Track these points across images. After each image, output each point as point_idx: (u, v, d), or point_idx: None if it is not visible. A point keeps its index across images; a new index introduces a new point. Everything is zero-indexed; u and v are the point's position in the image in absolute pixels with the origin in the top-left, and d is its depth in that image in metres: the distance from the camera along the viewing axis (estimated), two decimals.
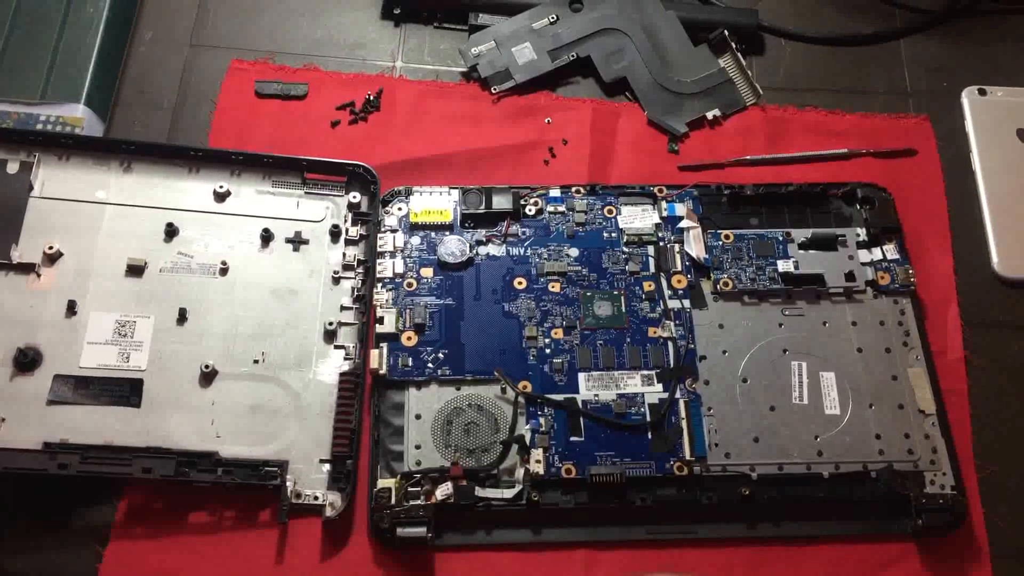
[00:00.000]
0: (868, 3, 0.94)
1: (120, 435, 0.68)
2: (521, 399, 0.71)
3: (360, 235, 0.77)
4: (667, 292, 0.76)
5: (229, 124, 0.83)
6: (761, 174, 0.84)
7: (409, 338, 0.73)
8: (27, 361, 0.69)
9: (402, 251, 0.76)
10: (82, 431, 0.68)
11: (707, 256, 0.77)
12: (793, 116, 0.87)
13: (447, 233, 0.77)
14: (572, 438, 0.70)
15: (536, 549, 0.68)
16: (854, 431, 0.72)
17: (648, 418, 0.71)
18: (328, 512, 0.67)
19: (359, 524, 0.68)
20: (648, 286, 0.76)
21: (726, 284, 0.76)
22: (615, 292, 0.76)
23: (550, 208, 0.79)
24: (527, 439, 0.69)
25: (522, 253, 0.77)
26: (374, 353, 0.72)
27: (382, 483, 0.68)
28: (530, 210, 0.79)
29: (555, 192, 0.80)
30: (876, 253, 0.78)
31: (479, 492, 0.68)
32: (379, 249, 0.76)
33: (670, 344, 0.74)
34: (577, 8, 0.89)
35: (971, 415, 0.75)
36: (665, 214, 0.79)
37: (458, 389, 0.72)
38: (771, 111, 0.87)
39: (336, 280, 0.76)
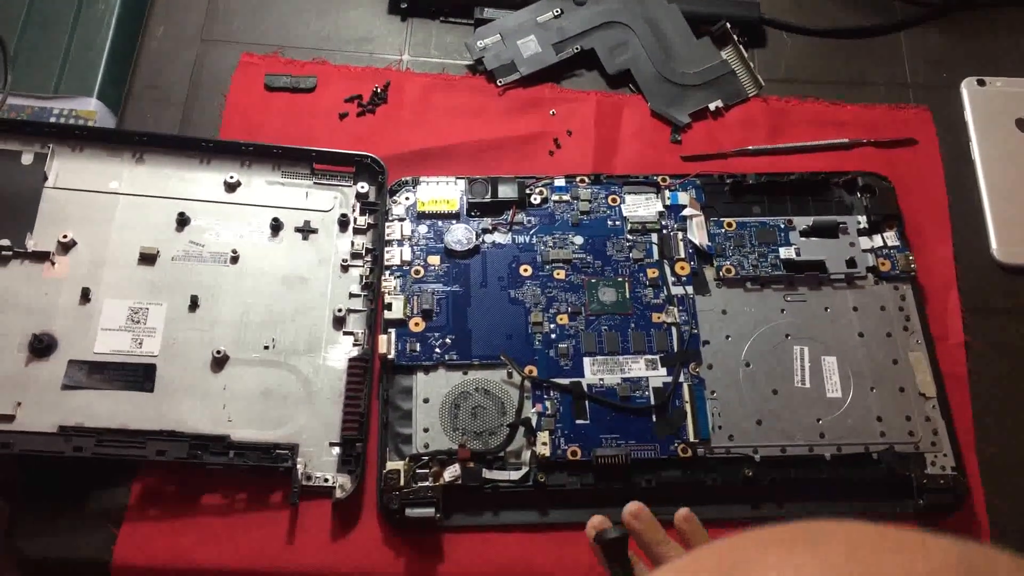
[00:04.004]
0: None
1: (134, 419, 0.69)
2: (527, 383, 0.72)
3: (368, 224, 0.79)
4: (670, 279, 0.77)
5: (239, 117, 0.84)
6: (763, 164, 0.85)
7: (417, 324, 0.74)
8: (42, 347, 0.70)
9: (409, 239, 0.78)
10: (97, 415, 0.69)
11: (710, 243, 0.79)
12: (795, 107, 0.88)
13: (454, 222, 0.79)
14: (577, 421, 0.71)
15: (542, 530, 0.70)
16: (856, 414, 0.73)
17: (652, 401, 0.72)
18: (338, 494, 0.69)
19: (368, 505, 0.70)
20: (652, 273, 0.77)
21: (729, 271, 0.77)
22: (619, 279, 0.77)
23: (555, 197, 0.80)
24: (533, 422, 0.71)
25: (528, 241, 0.78)
26: (382, 339, 0.73)
27: (391, 465, 0.69)
28: (535, 199, 0.80)
29: (560, 181, 0.81)
30: (877, 240, 0.79)
31: (486, 474, 0.69)
32: (387, 238, 0.77)
33: (674, 329, 0.75)
34: (581, 2, 0.90)
35: (971, 399, 0.76)
36: (668, 203, 0.80)
37: (465, 374, 0.73)
38: (773, 102, 0.88)
39: (345, 268, 0.77)
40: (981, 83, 0.90)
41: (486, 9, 0.90)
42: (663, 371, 0.74)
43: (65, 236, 0.74)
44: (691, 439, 0.71)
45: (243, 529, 0.69)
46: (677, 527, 0.61)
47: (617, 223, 0.80)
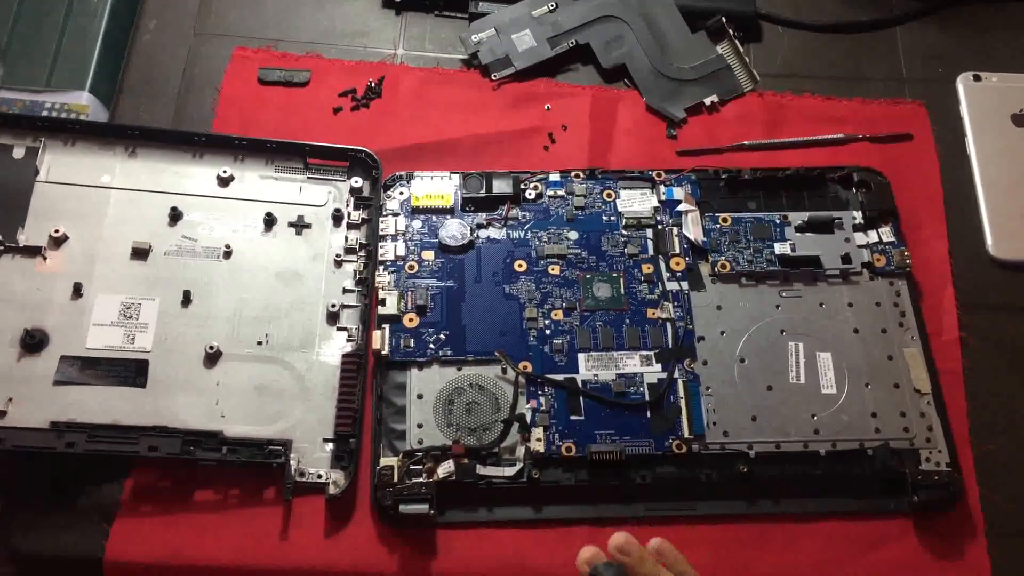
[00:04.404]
0: None
1: (126, 415, 0.69)
2: (522, 379, 0.72)
3: (362, 219, 0.78)
4: (665, 274, 0.77)
5: (233, 111, 0.84)
6: (759, 159, 0.85)
7: (411, 320, 0.74)
8: (34, 342, 0.70)
9: (404, 234, 0.77)
10: (89, 411, 0.69)
11: (705, 239, 0.78)
12: (790, 102, 0.88)
13: (448, 217, 0.78)
14: (572, 417, 0.71)
15: (537, 526, 0.69)
16: (851, 410, 0.73)
17: (647, 397, 0.72)
18: (332, 490, 0.68)
19: (362, 502, 0.69)
20: (647, 268, 0.77)
21: (724, 266, 0.77)
22: (614, 274, 0.77)
23: (550, 192, 0.80)
24: (528, 418, 0.70)
25: (522, 236, 0.78)
26: (376, 334, 0.73)
27: (385, 461, 0.69)
28: (530, 194, 0.80)
29: (555, 176, 0.81)
30: (872, 236, 0.79)
31: (480, 470, 0.69)
32: (381, 233, 0.77)
33: (668, 325, 0.75)
34: None
35: (966, 395, 0.76)
36: (663, 198, 0.80)
37: (459, 369, 0.72)
38: (769, 97, 0.88)
39: (338, 263, 0.77)
40: (977, 78, 0.90)
41: (481, 3, 0.89)
42: (658, 367, 0.73)
43: (57, 231, 0.74)
44: (686, 435, 0.71)
45: (236, 525, 0.68)
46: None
47: (612, 218, 0.79)
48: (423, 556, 0.68)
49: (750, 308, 0.76)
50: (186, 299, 0.73)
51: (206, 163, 0.79)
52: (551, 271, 0.77)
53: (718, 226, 0.79)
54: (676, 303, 0.76)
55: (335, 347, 0.74)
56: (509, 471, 0.69)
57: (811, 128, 0.87)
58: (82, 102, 0.80)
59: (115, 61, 0.85)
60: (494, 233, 0.78)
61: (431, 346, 0.73)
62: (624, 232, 0.79)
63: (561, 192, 0.80)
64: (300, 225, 0.77)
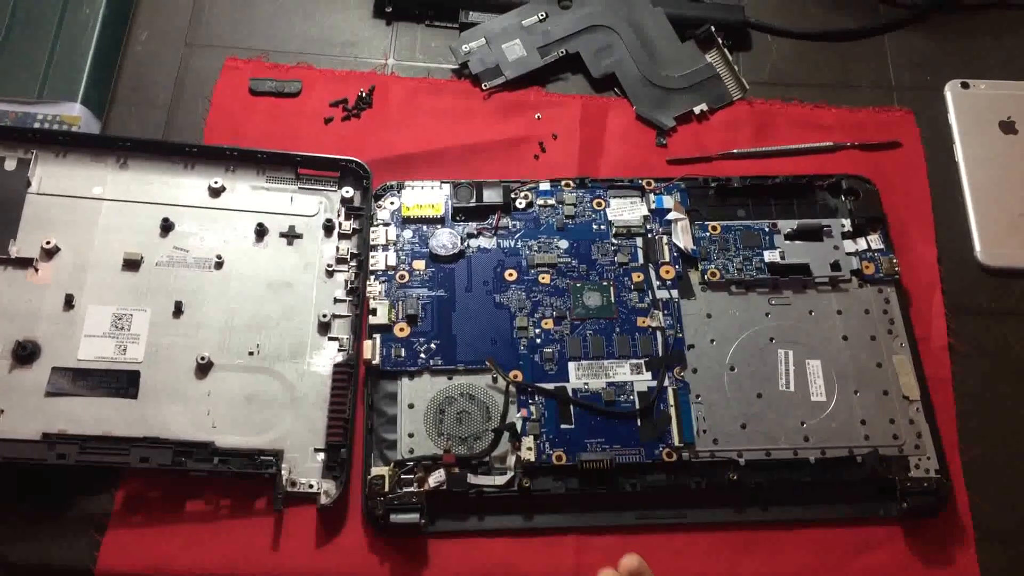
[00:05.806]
0: None
1: (118, 426, 0.69)
2: (512, 388, 0.72)
3: (353, 229, 0.79)
4: (655, 283, 0.77)
5: (224, 121, 0.84)
6: (748, 167, 0.85)
7: (402, 329, 0.74)
8: (26, 354, 0.70)
9: (394, 244, 0.78)
10: (80, 422, 0.69)
11: (695, 247, 0.79)
12: (779, 110, 0.89)
13: (439, 226, 0.79)
14: (563, 426, 0.71)
15: (528, 535, 0.69)
16: (840, 417, 0.73)
17: (637, 406, 0.72)
18: (323, 500, 0.69)
19: (353, 511, 0.70)
20: (637, 277, 0.77)
21: (713, 274, 0.78)
22: (604, 283, 0.77)
23: (540, 201, 0.80)
24: (518, 427, 0.71)
25: (513, 245, 0.78)
26: (367, 344, 0.73)
27: (376, 471, 0.69)
28: (520, 203, 0.80)
29: (545, 185, 0.81)
30: (861, 243, 0.80)
31: (471, 479, 0.69)
32: (372, 242, 0.77)
33: (658, 333, 0.75)
34: (566, 5, 0.90)
35: (955, 401, 0.76)
36: (653, 206, 0.80)
37: (450, 379, 0.73)
38: (757, 105, 0.89)
39: (329, 273, 0.77)
40: (965, 86, 0.90)
41: (471, 13, 0.90)
42: (648, 375, 0.74)
43: (48, 242, 0.74)
44: (676, 443, 0.71)
45: (228, 536, 0.68)
46: None
47: (602, 227, 0.80)
48: (414, 565, 0.68)
49: (740, 316, 0.77)
50: (177, 310, 0.74)
51: (197, 174, 0.79)
52: (541, 280, 0.77)
53: (707, 234, 0.79)
54: (666, 311, 0.76)
55: (326, 357, 0.74)
56: (500, 480, 0.69)
57: (800, 136, 0.87)
58: (74, 113, 0.80)
59: (107, 72, 0.85)
60: (484, 242, 0.79)
61: (422, 355, 0.73)
62: (614, 241, 0.79)
63: (551, 201, 0.80)
64: (291, 235, 0.78)
